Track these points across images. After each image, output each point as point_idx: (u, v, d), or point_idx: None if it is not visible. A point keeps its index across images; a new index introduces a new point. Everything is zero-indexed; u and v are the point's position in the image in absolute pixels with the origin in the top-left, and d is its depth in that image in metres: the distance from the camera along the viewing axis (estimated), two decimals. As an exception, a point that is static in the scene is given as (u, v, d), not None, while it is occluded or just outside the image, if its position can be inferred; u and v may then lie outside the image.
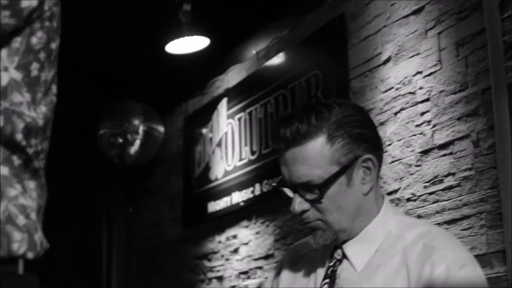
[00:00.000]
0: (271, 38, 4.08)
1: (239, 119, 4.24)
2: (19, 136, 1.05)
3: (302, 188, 1.57)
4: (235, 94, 4.34)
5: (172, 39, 3.98)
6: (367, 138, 1.59)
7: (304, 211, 1.58)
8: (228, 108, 4.38)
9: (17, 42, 1.05)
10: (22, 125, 1.05)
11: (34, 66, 1.07)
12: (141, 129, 4.79)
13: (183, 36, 3.92)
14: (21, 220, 1.05)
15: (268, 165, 3.88)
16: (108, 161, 4.92)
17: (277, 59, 3.99)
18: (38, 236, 1.08)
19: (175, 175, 4.97)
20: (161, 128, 4.96)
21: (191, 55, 4.12)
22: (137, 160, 4.86)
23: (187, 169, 4.75)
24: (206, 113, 4.60)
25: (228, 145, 4.32)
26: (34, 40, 1.07)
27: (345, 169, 1.55)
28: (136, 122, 4.80)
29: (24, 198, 1.06)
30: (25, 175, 1.07)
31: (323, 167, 1.54)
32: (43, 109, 1.09)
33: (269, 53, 4.09)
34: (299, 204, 1.57)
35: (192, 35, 3.92)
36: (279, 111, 3.85)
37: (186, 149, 4.82)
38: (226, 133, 4.36)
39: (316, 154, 1.54)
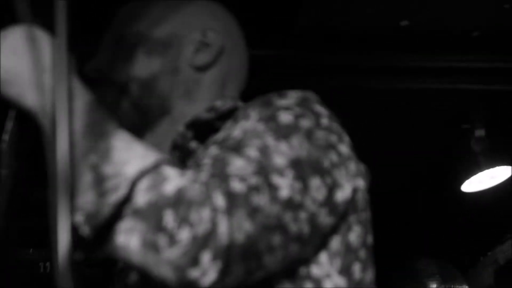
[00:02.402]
0: None
1: None
2: None
3: None
4: None
5: (468, 176, 3.76)
6: None
7: None
8: (555, 254, 3.87)
9: (336, 242, 1.01)
10: None
11: (357, 267, 1.02)
12: (440, 293, 4.54)
13: (481, 170, 3.66)
14: None
15: None
16: None
17: None
18: None
19: None
20: (465, 288, 4.60)
21: (492, 190, 3.89)
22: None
23: None
24: (524, 262, 4.13)
25: None
26: (352, 237, 1.02)
27: None
28: (434, 285, 4.34)
29: None
30: None
31: None
32: None
33: None
34: None
35: (491, 167, 3.65)
36: None
37: (504, 313, 4.34)
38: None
39: None
